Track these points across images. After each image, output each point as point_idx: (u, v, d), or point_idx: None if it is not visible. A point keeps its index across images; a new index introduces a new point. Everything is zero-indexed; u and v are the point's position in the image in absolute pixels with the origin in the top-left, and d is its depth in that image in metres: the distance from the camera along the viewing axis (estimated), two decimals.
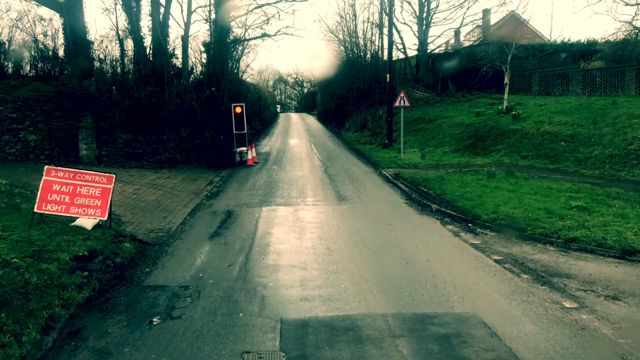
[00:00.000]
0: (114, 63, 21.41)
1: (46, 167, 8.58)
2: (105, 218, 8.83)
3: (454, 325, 5.84)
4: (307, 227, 10.60)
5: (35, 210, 8.40)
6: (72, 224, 8.71)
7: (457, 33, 39.97)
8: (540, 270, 7.73)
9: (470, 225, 10.52)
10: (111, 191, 8.87)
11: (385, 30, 31.53)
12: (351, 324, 5.90)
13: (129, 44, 21.93)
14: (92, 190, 8.70)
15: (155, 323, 6.02)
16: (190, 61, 24.49)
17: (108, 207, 8.82)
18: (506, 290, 6.96)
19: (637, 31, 24.66)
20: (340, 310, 6.32)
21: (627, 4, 22.34)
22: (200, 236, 10.11)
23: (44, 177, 8.46)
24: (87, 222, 8.72)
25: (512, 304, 6.46)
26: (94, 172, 8.94)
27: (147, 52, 22.09)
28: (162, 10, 22.78)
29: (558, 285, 7.08)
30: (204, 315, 6.24)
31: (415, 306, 6.40)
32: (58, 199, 8.51)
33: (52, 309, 5.82)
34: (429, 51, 36.96)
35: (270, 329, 5.81)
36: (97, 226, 8.83)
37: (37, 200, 8.40)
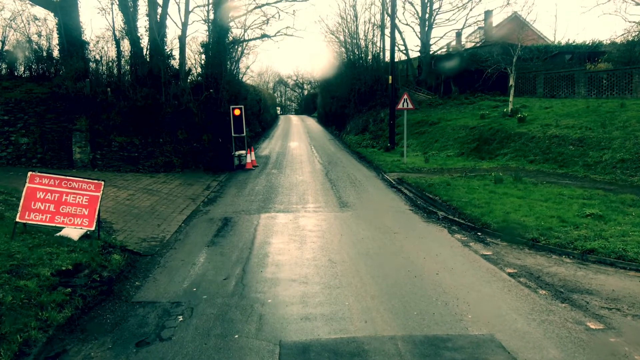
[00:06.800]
0: (110, 64, 20.90)
1: (30, 173, 8.04)
2: (93, 228, 8.28)
3: (470, 350, 5.31)
4: (308, 236, 10.07)
5: (17, 219, 7.86)
6: (58, 234, 8.17)
7: (458, 34, 39.44)
8: (558, 285, 7.20)
9: (479, 234, 10.00)
10: (99, 199, 8.33)
11: (387, 32, 31.07)
12: (357, 348, 5.37)
13: (126, 45, 21.46)
14: (79, 198, 8.16)
15: (142, 346, 5.49)
16: (188, 62, 24.01)
17: (96, 216, 8.28)
18: (524, 308, 6.42)
19: None
20: (345, 331, 5.79)
21: (637, 4, 21.82)
22: (195, 246, 9.58)
23: (27, 184, 7.92)
24: (73, 232, 8.18)
25: (532, 325, 5.92)
26: (81, 179, 8.39)
27: (144, 52, 21.60)
28: (159, 10, 22.30)
29: (579, 302, 6.55)
30: (196, 337, 5.72)
31: (427, 327, 5.87)
32: (42, 208, 7.96)
33: (27, 331, 5.28)
34: (431, 52, 36.42)
35: (268, 354, 5.28)
36: (84, 236, 8.30)
37: (19, 209, 7.86)
